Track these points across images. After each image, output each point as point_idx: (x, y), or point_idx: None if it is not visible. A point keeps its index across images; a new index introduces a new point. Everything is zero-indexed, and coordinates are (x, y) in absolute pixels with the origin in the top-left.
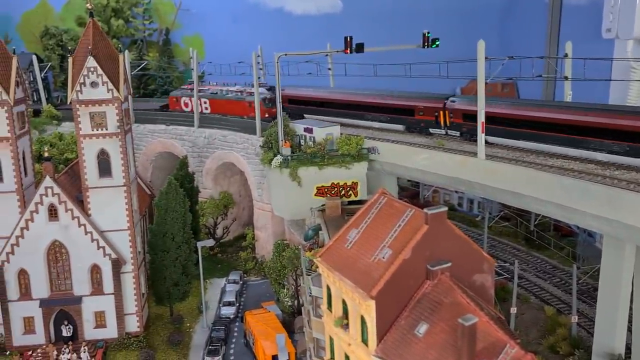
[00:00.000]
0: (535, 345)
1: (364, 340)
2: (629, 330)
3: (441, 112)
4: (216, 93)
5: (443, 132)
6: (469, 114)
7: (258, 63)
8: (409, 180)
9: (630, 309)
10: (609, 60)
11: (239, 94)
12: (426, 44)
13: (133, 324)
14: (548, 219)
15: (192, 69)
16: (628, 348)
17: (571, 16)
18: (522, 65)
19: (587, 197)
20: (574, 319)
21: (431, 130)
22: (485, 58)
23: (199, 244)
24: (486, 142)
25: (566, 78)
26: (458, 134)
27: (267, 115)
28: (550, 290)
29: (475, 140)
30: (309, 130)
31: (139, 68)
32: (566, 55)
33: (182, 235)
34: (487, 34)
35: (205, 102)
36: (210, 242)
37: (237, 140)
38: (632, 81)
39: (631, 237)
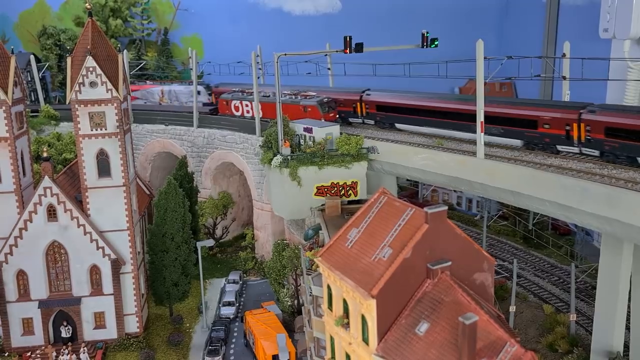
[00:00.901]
0: (534, 343)
1: (365, 340)
2: (627, 328)
3: (358, 104)
4: (268, 96)
5: (360, 121)
6: (381, 105)
7: (257, 63)
8: (408, 180)
9: (628, 307)
10: (606, 60)
11: (293, 97)
12: (425, 43)
13: (133, 325)
14: (546, 218)
15: (191, 69)
16: (626, 346)
17: (569, 16)
18: (520, 65)
19: (586, 196)
20: (573, 317)
21: (350, 119)
22: (484, 58)
23: (199, 244)
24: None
25: (564, 78)
26: (373, 122)
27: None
28: (549, 289)
29: (386, 127)
30: (308, 130)
31: (138, 68)
32: (564, 55)
33: (181, 236)
34: (485, 33)
35: (247, 105)
36: (209, 242)
37: (236, 140)
38: (629, 81)
39: (629, 235)
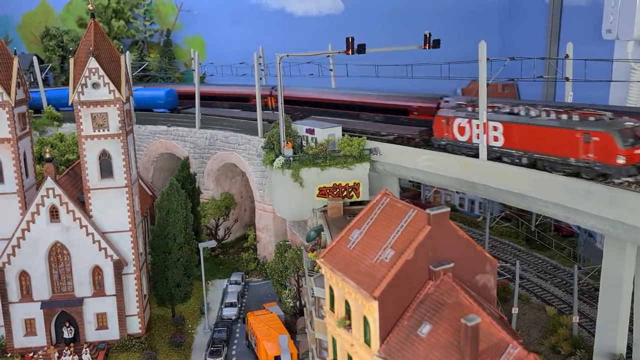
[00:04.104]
0: (537, 345)
1: (367, 341)
2: (630, 330)
3: (270, 98)
4: (517, 114)
5: (271, 111)
6: (286, 98)
7: (260, 64)
8: (410, 181)
9: (631, 309)
10: (609, 61)
11: (563, 116)
12: (427, 44)
13: (135, 326)
14: (549, 220)
15: (194, 70)
16: (629, 348)
17: (572, 17)
18: (523, 66)
19: (589, 197)
20: (575, 319)
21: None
22: (487, 59)
23: (201, 245)
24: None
25: (567, 79)
26: None
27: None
28: (552, 291)
29: (294, 118)
30: (310, 131)
31: (140, 69)
32: (567, 56)
33: (183, 237)
34: (488, 34)
35: (496, 128)
36: (212, 243)
37: (238, 141)
38: (632, 82)
39: (632, 237)
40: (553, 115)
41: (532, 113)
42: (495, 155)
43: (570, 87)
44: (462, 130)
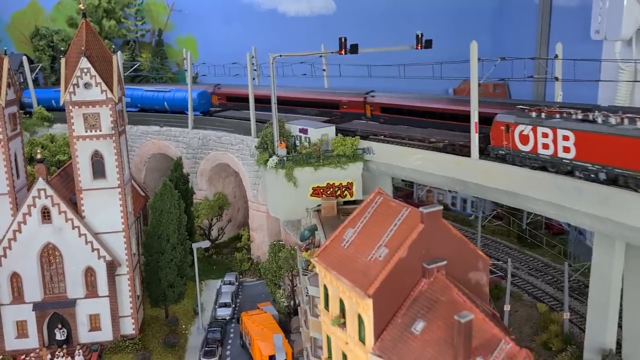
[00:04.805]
0: (529, 341)
1: (362, 339)
2: (620, 326)
3: (213, 96)
4: (594, 121)
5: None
6: (230, 95)
7: (252, 64)
8: (403, 180)
9: (621, 305)
10: (597, 61)
11: None
12: (419, 45)
13: (128, 327)
14: (540, 218)
15: (186, 70)
16: (619, 343)
17: (561, 18)
18: (513, 66)
19: (580, 195)
20: (566, 315)
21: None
22: (478, 59)
23: (194, 246)
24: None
25: (557, 79)
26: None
27: None
28: (543, 288)
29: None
30: (304, 131)
31: (132, 69)
32: (556, 56)
33: (177, 237)
34: (479, 35)
35: (566, 137)
36: (205, 244)
37: (232, 141)
38: (620, 82)
39: (621, 234)
40: None
41: (612, 120)
42: (567, 169)
43: (560, 87)
44: (525, 140)
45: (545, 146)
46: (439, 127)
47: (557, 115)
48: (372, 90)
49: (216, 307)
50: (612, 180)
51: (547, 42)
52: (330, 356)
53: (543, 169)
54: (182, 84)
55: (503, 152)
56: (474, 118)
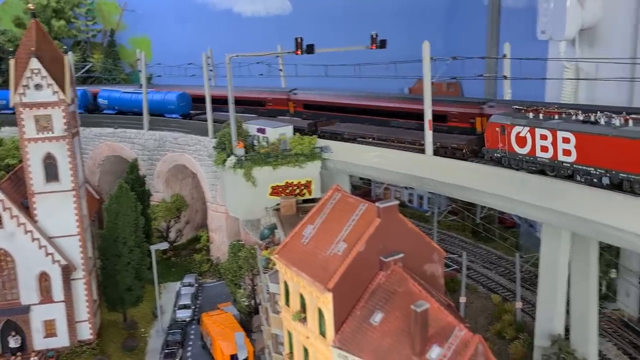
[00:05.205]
0: (484, 331)
1: (322, 332)
2: (567, 312)
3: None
4: (596, 122)
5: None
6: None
7: (208, 64)
8: (361, 179)
9: (568, 292)
10: (543, 60)
11: None
12: (374, 44)
13: (85, 332)
14: (493, 212)
15: (140, 71)
16: (567, 329)
17: (509, 18)
18: (464, 65)
19: (524, 187)
20: (519, 305)
21: None
22: (431, 58)
23: (152, 248)
24: None
25: (505, 77)
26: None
27: None
28: (496, 280)
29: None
30: (261, 131)
31: (84, 70)
32: (505, 55)
33: (134, 240)
34: (432, 35)
35: (566, 140)
36: (163, 246)
37: (188, 142)
38: (565, 80)
39: (566, 224)
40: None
41: (616, 122)
42: (567, 173)
43: (508, 85)
44: (522, 142)
45: (544, 149)
46: (354, 121)
47: (556, 116)
48: (295, 88)
49: (176, 309)
50: (616, 185)
51: (496, 42)
52: (291, 352)
53: (542, 172)
54: (160, 85)
55: (499, 155)
56: (428, 116)
